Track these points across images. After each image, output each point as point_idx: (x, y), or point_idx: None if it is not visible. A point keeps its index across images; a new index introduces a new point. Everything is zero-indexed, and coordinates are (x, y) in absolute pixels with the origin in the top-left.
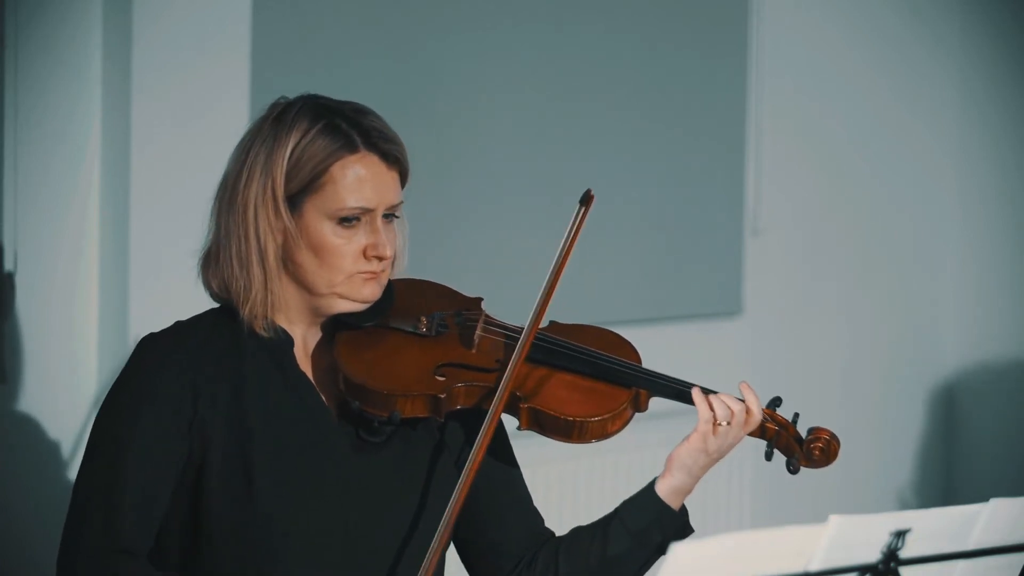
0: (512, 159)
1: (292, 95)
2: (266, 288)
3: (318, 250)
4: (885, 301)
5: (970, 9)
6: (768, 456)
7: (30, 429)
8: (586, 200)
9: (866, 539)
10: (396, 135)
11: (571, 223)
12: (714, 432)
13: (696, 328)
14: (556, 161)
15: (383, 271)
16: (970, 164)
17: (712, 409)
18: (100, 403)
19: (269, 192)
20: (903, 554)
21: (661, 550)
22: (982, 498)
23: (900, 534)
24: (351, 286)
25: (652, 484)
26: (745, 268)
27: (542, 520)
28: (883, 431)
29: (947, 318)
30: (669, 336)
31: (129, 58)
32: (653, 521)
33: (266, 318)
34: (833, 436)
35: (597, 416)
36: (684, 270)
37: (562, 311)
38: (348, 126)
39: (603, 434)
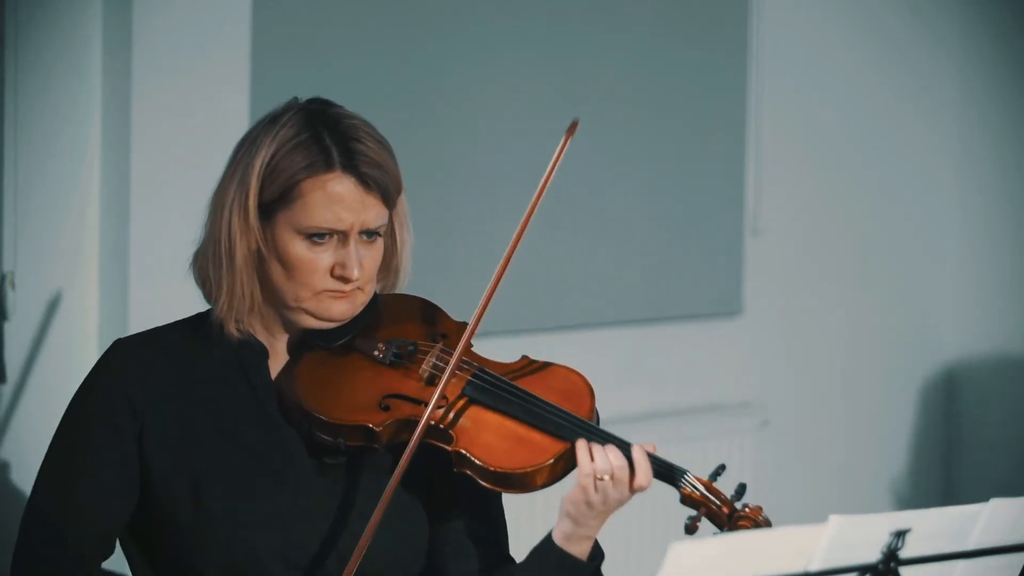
0: (512, 158)
1: (292, 95)
2: (232, 291)
3: (286, 263)
4: (885, 301)
5: (970, 9)
6: (688, 529)
7: (30, 429)
8: (570, 128)
9: (866, 539)
10: (385, 160)
11: (556, 153)
12: (595, 487)
13: (696, 328)
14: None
15: (355, 290)
16: (970, 164)
17: (592, 460)
18: None
19: (241, 198)
20: (903, 554)
21: None
22: (982, 498)
23: (900, 534)
24: (319, 304)
25: (551, 532)
26: (745, 268)
27: (500, 562)
28: (883, 431)
29: (947, 318)
30: (669, 336)
31: (129, 58)
32: (554, 569)
33: (237, 321)
34: (765, 520)
35: (521, 469)
36: (684, 270)
37: (562, 311)
38: (332, 142)
39: (529, 486)
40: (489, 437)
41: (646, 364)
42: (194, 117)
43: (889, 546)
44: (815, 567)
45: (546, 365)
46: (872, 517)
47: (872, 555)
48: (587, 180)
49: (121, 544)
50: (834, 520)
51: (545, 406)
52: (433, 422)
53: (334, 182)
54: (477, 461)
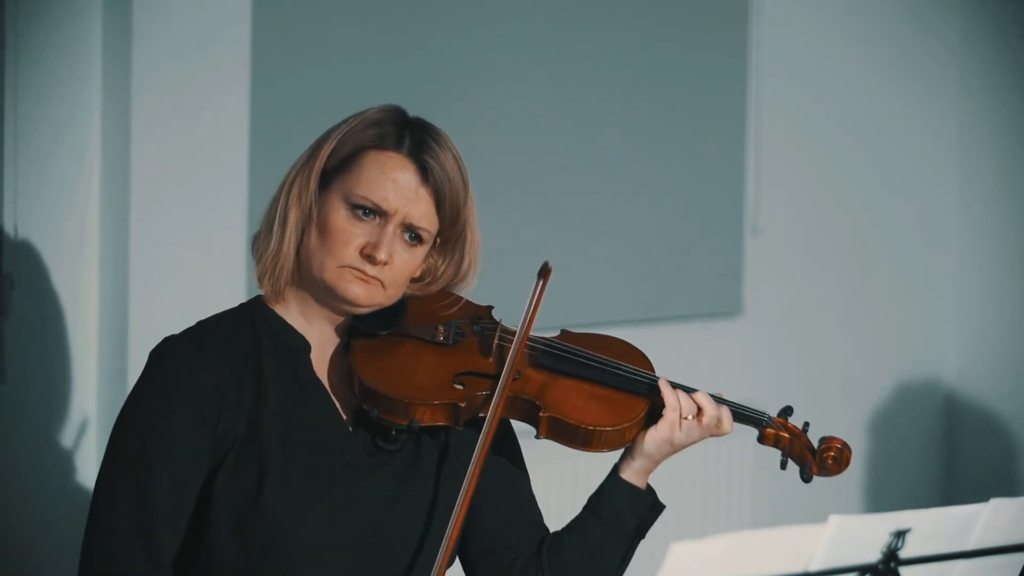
0: (512, 158)
1: (292, 95)
2: (279, 251)
3: (324, 229)
4: (885, 301)
5: (970, 9)
6: (783, 465)
7: (30, 429)
8: (543, 273)
9: (866, 539)
10: (453, 172)
11: (531, 296)
12: (680, 425)
13: (696, 328)
14: (556, 161)
15: (376, 281)
16: (971, 163)
17: (678, 402)
18: (100, 403)
19: (311, 162)
20: (903, 554)
21: (639, 534)
22: (982, 498)
23: (900, 534)
24: (339, 278)
25: (615, 471)
26: (745, 268)
27: (546, 531)
28: (883, 431)
29: (948, 317)
30: (669, 336)
31: (129, 58)
32: (623, 504)
33: (273, 285)
34: (845, 445)
35: (616, 425)
36: (684, 270)
37: (563, 310)
38: (409, 131)
39: (621, 443)
40: (577, 401)
41: None
42: (194, 117)
43: (889, 546)
44: (815, 567)
45: (592, 335)
46: (872, 517)
47: (872, 555)
48: (587, 180)
49: None
50: (834, 520)
51: (619, 366)
52: (515, 395)
53: (394, 162)
54: (572, 423)
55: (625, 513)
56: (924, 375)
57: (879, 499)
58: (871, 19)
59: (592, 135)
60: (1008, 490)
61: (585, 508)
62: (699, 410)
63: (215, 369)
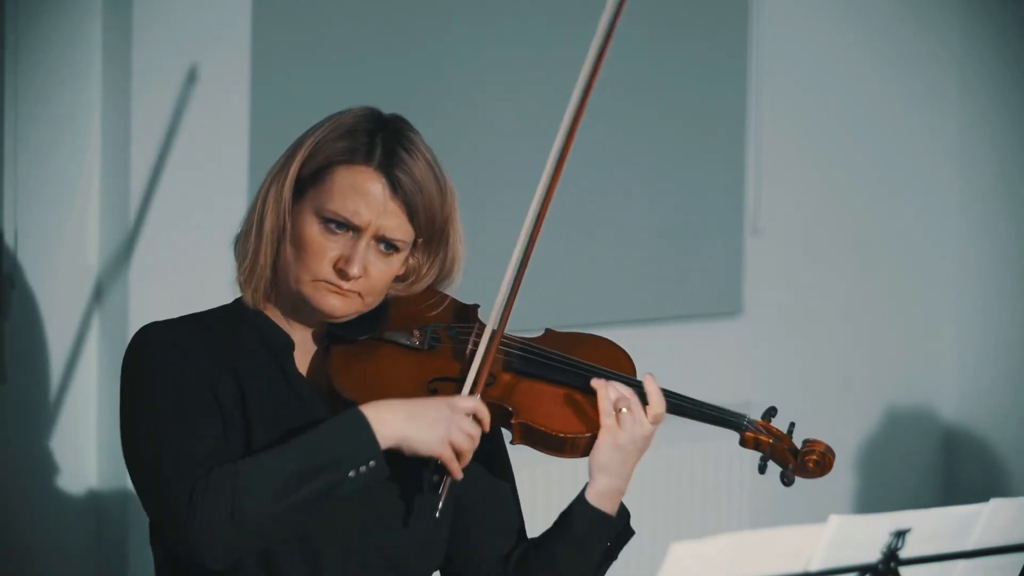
0: (512, 158)
1: (292, 95)
2: (255, 259)
3: (297, 242)
4: (885, 301)
5: (970, 9)
6: (761, 469)
7: (30, 429)
8: None
9: (866, 539)
10: (426, 182)
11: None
12: (618, 423)
13: (696, 328)
14: None
15: (353, 293)
16: (971, 163)
17: (608, 395)
18: (100, 404)
19: (285, 170)
20: (903, 554)
21: (610, 556)
22: (982, 498)
23: (900, 534)
24: (314, 291)
25: (583, 492)
26: (745, 268)
27: (522, 536)
28: (883, 431)
29: (948, 317)
30: (669, 336)
31: (129, 58)
32: (589, 529)
33: (254, 293)
34: (828, 449)
35: (588, 433)
36: (684, 270)
37: (562, 310)
38: (380, 141)
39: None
40: (549, 406)
41: (646, 364)
42: (194, 117)
43: (889, 546)
44: (815, 567)
45: (575, 334)
46: (872, 517)
47: (872, 555)
48: (587, 180)
49: (152, 533)
50: (834, 520)
51: (595, 370)
52: (487, 400)
53: (364, 176)
54: (543, 430)
55: (590, 538)
56: (924, 375)
57: (879, 499)
58: (871, 19)
59: (592, 135)
60: (1009, 490)
61: (553, 526)
62: (627, 398)
63: (205, 352)
